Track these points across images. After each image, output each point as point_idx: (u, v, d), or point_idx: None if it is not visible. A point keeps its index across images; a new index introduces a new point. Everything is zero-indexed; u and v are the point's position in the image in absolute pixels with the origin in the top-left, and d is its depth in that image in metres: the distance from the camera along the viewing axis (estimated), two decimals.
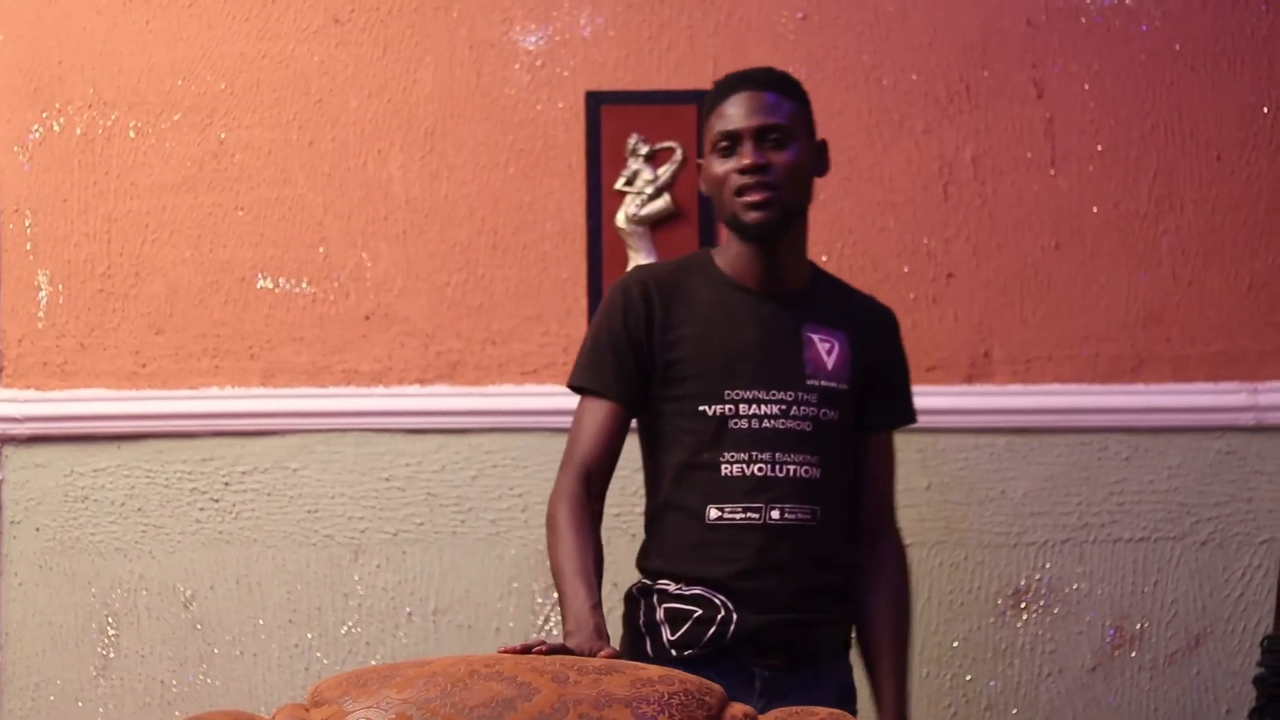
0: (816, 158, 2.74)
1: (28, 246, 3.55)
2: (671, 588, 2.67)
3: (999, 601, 3.46)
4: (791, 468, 2.66)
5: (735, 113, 2.67)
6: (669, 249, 3.40)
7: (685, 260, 2.84)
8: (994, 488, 3.47)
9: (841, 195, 3.51)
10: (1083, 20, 3.53)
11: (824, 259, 3.47)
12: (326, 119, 3.54)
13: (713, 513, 2.65)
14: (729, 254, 2.74)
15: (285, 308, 3.53)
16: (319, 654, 3.48)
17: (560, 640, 2.45)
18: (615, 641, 2.65)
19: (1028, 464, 3.47)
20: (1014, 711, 3.45)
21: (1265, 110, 3.52)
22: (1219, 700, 3.45)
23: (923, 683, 3.45)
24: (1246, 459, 3.47)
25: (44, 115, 3.55)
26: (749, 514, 2.64)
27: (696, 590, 2.64)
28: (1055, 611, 3.47)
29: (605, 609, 2.59)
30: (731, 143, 2.67)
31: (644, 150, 3.48)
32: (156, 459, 3.51)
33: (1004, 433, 3.48)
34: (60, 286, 3.54)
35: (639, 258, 3.45)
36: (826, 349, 2.72)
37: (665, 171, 3.48)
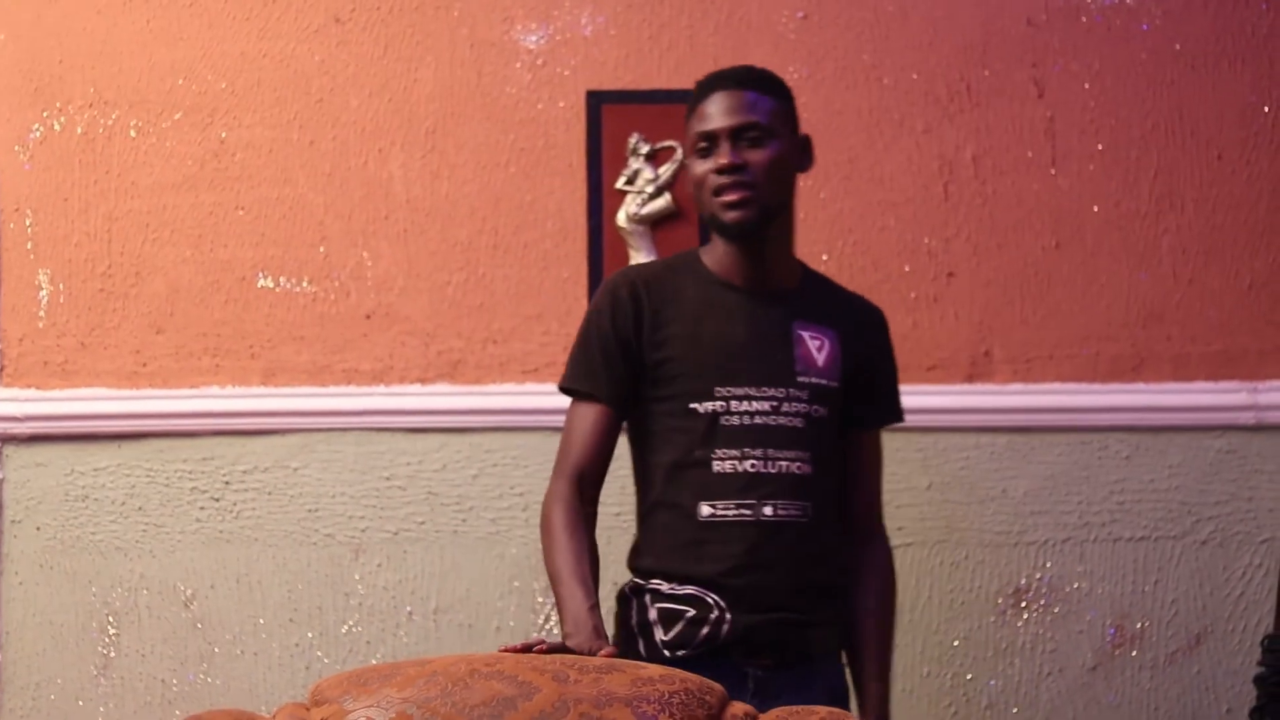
0: (799, 153, 2.74)
1: (28, 246, 3.55)
2: (664, 587, 2.66)
3: (1000, 600, 3.46)
4: (784, 464, 2.66)
5: (712, 112, 2.67)
6: (670, 248, 3.39)
7: (673, 260, 2.85)
8: (995, 487, 3.47)
9: (842, 195, 3.51)
10: (1083, 19, 3.53)
11: (824, 258, 3.47)
12: (327, 118, 3.54)
13: (705, 510, 2.65)
14: (716, 253, 2.75)
15: (286, 307, 3.53)
16: (320, 653, 3.48)
17: (560, 640, 2.45)
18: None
19: (1028, 463, 3.47)
20: (1014, 710, 3.45)
21: (1266, 109, 3.52)
22: (1219, 699, 3.45)
23: (923, 682, 3.45)
24: (1247, 458, 3.47)
25: (45, 114, 3.55)
26: (742, 511, 2.64)
27: (689, 590, 2.64)
28: (1056, 610, 3.47)
29: (603, 610, 2.59)
30: (710, 143, 2.67)
31: (645, 149, 3.48)
32: (157, 458, 3.51)
33: (1005, 432, 3.48)
34: (61, 286, 3.54)
35: (640, 257, 3.45)
36: (817, 346, 2.72)
37: (666, 171, 3.48)
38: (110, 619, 3.50)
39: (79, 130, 3.55)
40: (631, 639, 2.68)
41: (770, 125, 2.67)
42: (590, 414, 2.70)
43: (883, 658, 2.77)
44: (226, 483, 3.50)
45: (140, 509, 3.50)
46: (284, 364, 3.51)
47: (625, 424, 2.76)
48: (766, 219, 2.67)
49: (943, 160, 3.52)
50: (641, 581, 2.70)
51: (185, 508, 3.50)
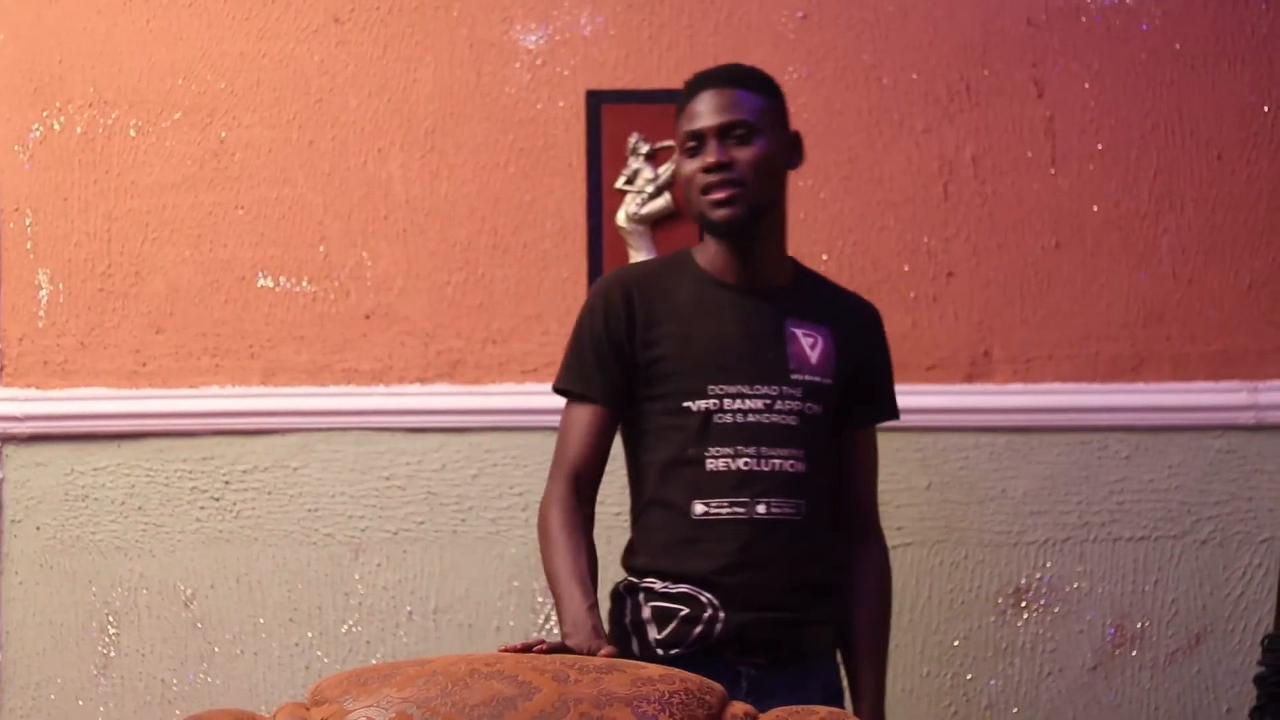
0: (789, 150, 2.74)
1: (28, 245, 3.55)
2: (657, 585, 2.66)
3: (999, 600, 3.46)
4: (777, 462, 2.65)
5: (699, 111, 2.68)
6: (670, 248, 3.39)
7: (666, 259, 2.85)
8: (994, 486, 3.47)
9: (842, 194, 3.51)
10: (1083, 19, 3.53)
11: (824, 258, 3.47)
12: (327, 118, 3.54)
13: (699, 508, 2.65)
14: (708, 251, 2.75)
15: (285, 307, 3.53)
16: (319, 653, 3.48)
17: (560, 639, 2.45)
18: None
19: (1028, 463, 3.47)
20: (1014, 710, 3.45)
21: (1265, 109, 3.52)
22: (1219, 699, 3.45)
23: (923, 681, 3.45)
24: (1247, 458, 3.47)
25: (44, 114, 3.55)
26: (735, 509, 2.64)
27: (683, 588, 2.64)
28: (1056, 610, 3.47)
29: (601, 610, 2.59)
30: (698, 142, 2.68)
31: (644, 149, 3.48)
32: (157, 458, 3.51)
33: (1004, 432, 3.48)
34: (61, 285, 3.54)
35: (640, 256, 3.45)
36: (810, 343, 2.72)
37: (666, 170, 3.48)
38: (110, 618, 3.50)
39: (79, 130, 3.55)
40: (625, 638, 2.67)
41: (757, 123, 2.67)
42: (585, 415, 2.71)
43: (878, 654, 2.77)
44: (226, 482, 3.50)
45: (140, 509, 3.50)
46: (284, 364, 3.51)
47: (621, 425, 2.75)
48: (755, 216, 2.67)
49: (942, 160, 3.52)
50: (635, 580, 2.69)
51: (185, 507, 3.50)
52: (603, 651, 2.40)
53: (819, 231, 3.50)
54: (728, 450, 2.65)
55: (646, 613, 2.65)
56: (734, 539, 2.63)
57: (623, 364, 2.70)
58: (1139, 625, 3.46)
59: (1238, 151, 3.52)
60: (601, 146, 3.50)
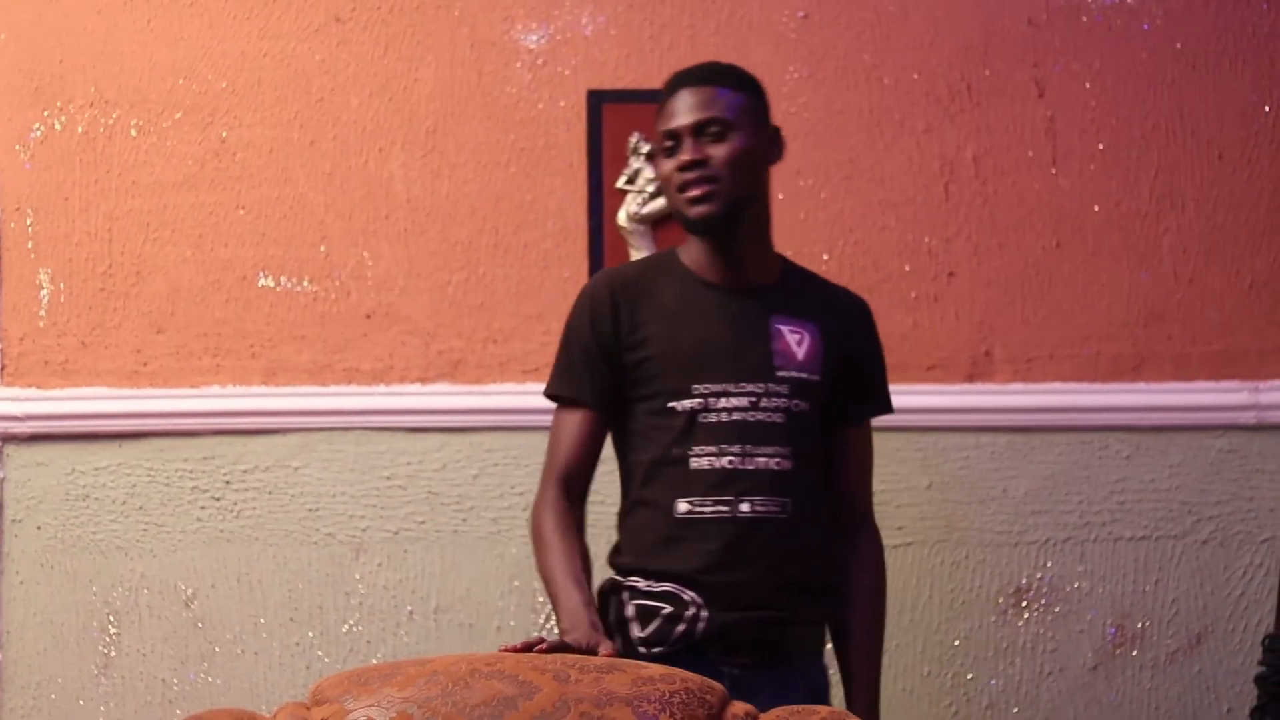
0: (768, 146, 2.73)
1: (29, 245, 3.55)
2: (641, 584, 2.66)
3: (1000, 600, 3.46)
4: (762, 460, 2.65)
5: (675, 110, 2.68)
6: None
7: (651, 259, 2.86)
8: (995, 486, 3.47)
9: (843, 194, 3.51)
10: (1084, 19, 3.53)
11: (825, 258, 3.47)
12: (328, 118, 3.54)
13: (682, 506, 2.64)
14: (693, 251, 2.75)
15: (286, 306, 3.53)
16: (320, 652, 3.48)
17: (560, 638, 2.45)
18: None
19: (1029, 463, 3.47)
20: (1015, 710, 3.45)
21: (1267, 109, 3.52)
22: (1220, 699, 3.45)
23: (924, 681, 3.45)
24: (1248, 458, 3.47)
25: (45, 114, 3.55)
26: (719, 507, 2.63)
27: (666, 586, 2.63)
28: (1056, 610, 3.47)
29: None
30: (674, 141, 2.68)
31: (645, 149, 3.48)
32: (158, 457, 3.51)
33: (1005, 431, 3.48)
34: (61, 285, 3.54)
35: (640, 256, 3.45)
36: (796, 340, 2.71)
37: None
38: (111, 618, 3.50)
39: (80, 130, 3.55)
40: (609, 636, 2.67)
41: (733, 120, 2.66)
42: (575, 419, 2.72)
43: (872, 652, 2.76)
44: (227, 482, 3.50)
45: (141, 508, 3.50)
46: (284, 363, 3.51)
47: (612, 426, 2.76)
48: (731, 212, 2.66)
49: (943, 160, 3.52)
50: (620, 578, 2.70)
51: (186, 507, 3.50)
52: (603, 648, 2.40)
53: (820, 231, 3.50)
54: (711, 449, 2.64)
55: (630, 611, 2.65)
56: (717, 537, 2.63)
57: (611, 366, 2.70)
58: (1140, 625, 3.46)
59: (1239, 151, 3.52)
60: (602, 146, 3.50)
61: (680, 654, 2.59)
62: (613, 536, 2.76)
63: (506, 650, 2.32)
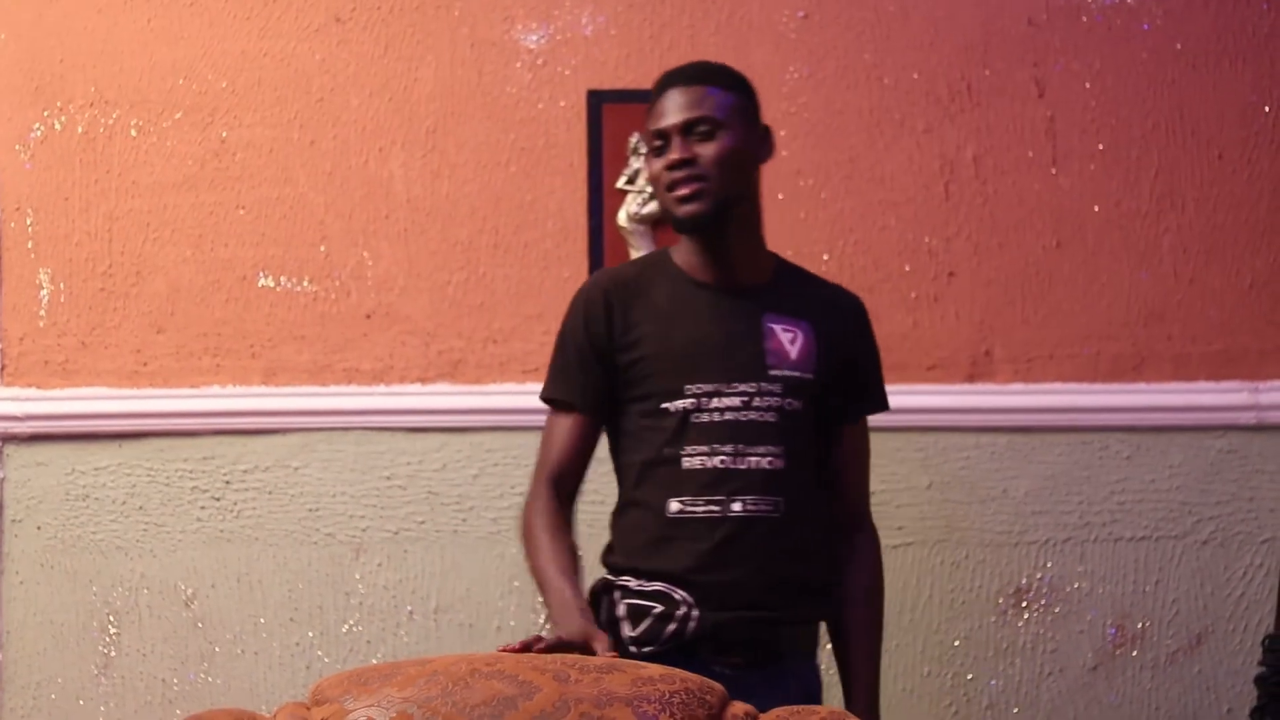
0: (758, 144, 2.73)
1: (29, 245, 3.55)
2: (632, 584, 2.66)
3: (1000, 600, 3.46)
4: (754, 459, 2.64)
5: (664, 110, 2.68)
6: None
7: (644, 260, 2.85)
8: (995, 486, 3.47)
9: (843, 194, 3.51)
10: (1084, 19, 3.53)
11: (825, 258, 3.47)
12: (328, 117, 3.54)
13: (673, 506, 2.64)
14: (684, 251, 2.74)
15: (286, 306, 3.53)
16: (320, 652, 3.48)
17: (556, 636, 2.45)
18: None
19: (1029, 463, 3.47)
20: (1015, 710, 3.45)
21: (1267, 109, 3.52)
22: (1220, 699, 3.45)
23: (924, 681, 3.45)
24: (1248, 458, 3.47)
25: (45, 114, 3.55)
26: (710, 507, 2.63)
27: (657, 586, 2.63)
28: (1057, 610, 3.47)
29: None
30: (663, 140, 2.68)
31: (645, 149, 3.48)
32: (158, 457, 3.51)
33: (1005, 431, 3.48)
34: (62, 285, 3.54)
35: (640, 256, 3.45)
36: (789, 339, 2.71)
37: None
38: (111, 618, 3.50)
39: (80, 129, 3.55)
40: None
41: (722, 119, 2.66)
42: (565, 421, 2.72)
43: (871, 650, 2.76)
44: (227, 482, 3.50)
45: (141, 508, 3.50)
46: (285, 363, 3.51)
47: (606, 426, 2.76)
48: (721, 211, 2.66)
49: (944, 160, 3.52)
50: (611, 578, 2.70)
51: (186, 507, 3.50)
52: (598, 642, 2.40)
53: (820, 231, 3.50)
54: (703, 448, 2.64)
55: (621, 610, 2.65)
56: (708, 537, 2.63)
57: (604, 368, 2.70)
58: (1140, 625, 3.46)
59: (1239, 151, 3.52)
60: (603, 146, 3.50)
61: (671, 653, 2.58)
62: (606, 534, 2.76)
63: (505, 650, 2.32)
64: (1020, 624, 3.46)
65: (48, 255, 3.55)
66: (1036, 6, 3.52)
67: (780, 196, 3.47)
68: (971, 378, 3.49)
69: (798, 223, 3.48)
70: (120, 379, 3.52)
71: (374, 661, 3.37)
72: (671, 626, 2.61)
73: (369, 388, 3.50)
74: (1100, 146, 3.52)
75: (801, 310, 2.73)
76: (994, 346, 3.49)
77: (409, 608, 3.48)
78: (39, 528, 3.51)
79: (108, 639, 3.50)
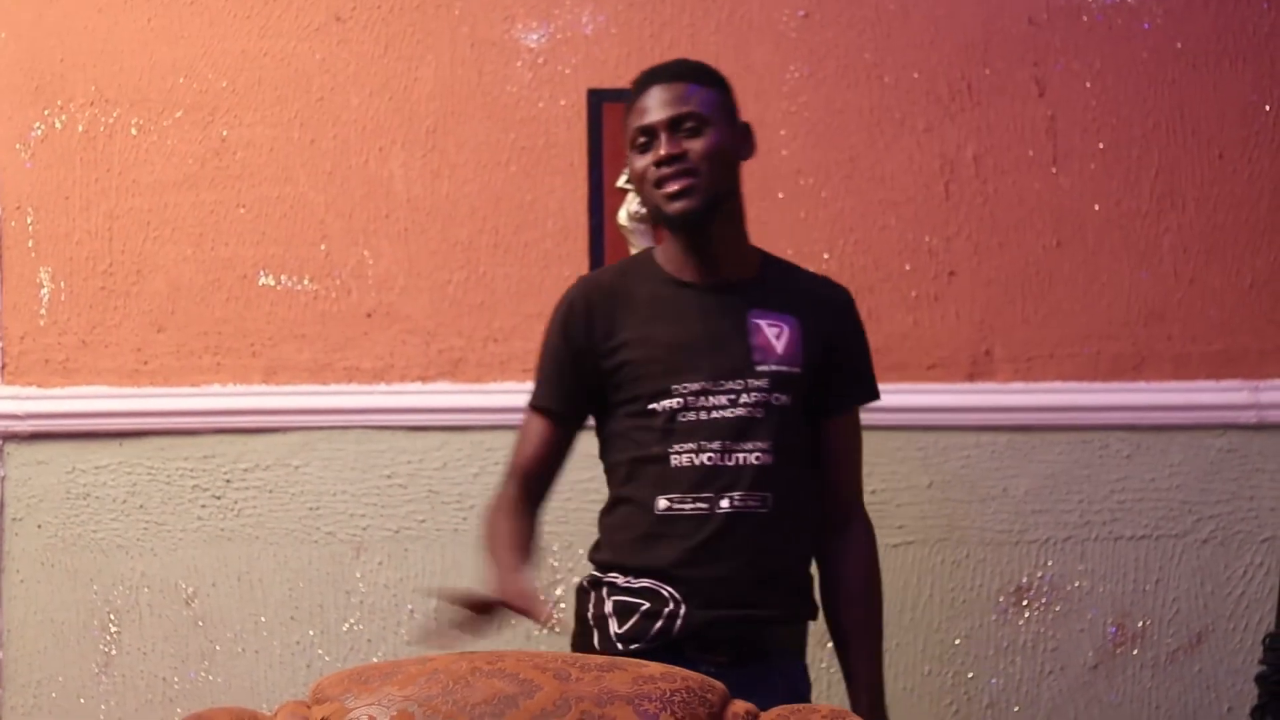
0: (740, 142, 2.73)
1: (29, 244, 3.55)
2: (620, 580, 2.66)
3: (1001, 599, 3.47)
4: (741, 455, 2.64)
5: (648, 107, 2.68)
6: None
7: (627, 262, 2.85)
8: (995, 485, 3.47)
9: (843, 193, 3.51)
10: (1084, 18, 3.53)
11: (825, 257, 3.47)
12: (328, 117, 3.54)
13: (662, 503, 2.64)
14: (668, 251, 2.74)
15: (287, 305, 3.53)
16: (321, 651, 3.48)
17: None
18: (566, 634, 2.67)
19: (1029, 462, 3.47)
20: (1016, 709, 3.45)
21: (1267, 108, 3.52)
22: (1221, 698, 3.45)
23: (924, 680, 3.45)
24: (1248, 457, 3.47)
25: (46, 112, 3.55)
26: (698, 504, 2.63)
27: (644, 583, 2.63)
28: (1057, 609, 3.47)
29: (563, 605, 2.59)
30: (649, 137, 2.67)
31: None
32: (158, 456, 3.51)
33: (1005, 430, 3.48)
34: (62, 284, 3.54)
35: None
36: (775, 333, 2.70)
37: None
38: (111, 617, 3.50)
39: (80, 128, 3.55)
40: (588, 631, 2.67)
41: (708, 115, 2.66)
42: (536, 425, 2.75)
43: (870, 647, 2.75)
44: (228, 481, 3.50)
45: (141, 507, 3.51)
46: (285, 362, 3.51)
47: (595, 428, 2.76)
48: (710, 207, 2.66)
49: (944, 159, 3.52)
50: (599, 574, 2.70)
51: (186, 506, 3.50)
52: (538, 609, 2.44)
53: (820, 230, 3.50)
54: (691, 446, 2.64)
55: (609, 607, 2.65)
56: (696, 534, 2.62)
57: (583, 375, 2.71)
58: (1140, 624, 3.46)
59: (1239, 150, 3.52)
60: (603, 145, 3.50)
61: (658, 651, 2.58)
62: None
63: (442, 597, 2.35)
64: (1021, 623, 3.46)
65: (48, 254, 3.55)
66: (1037, 6, 3.52)
67: (780, 196, 3.47)
68: (972, 377, 3.49)
69: (798, 222, 3.48)
70: (121, 378, 3.52)
71: (375, 660, 3.37)
72: (658, 624, 2.61)
73: (369, 386, 3.50)
74: (1100, 146, 3.51)
75: (787, 305, 2.73)
76: (994, 346, 3.50)
77: (409, 606, 3.48)
78: (39, 526, 3.51)
79: (108, 637, 3.50)
